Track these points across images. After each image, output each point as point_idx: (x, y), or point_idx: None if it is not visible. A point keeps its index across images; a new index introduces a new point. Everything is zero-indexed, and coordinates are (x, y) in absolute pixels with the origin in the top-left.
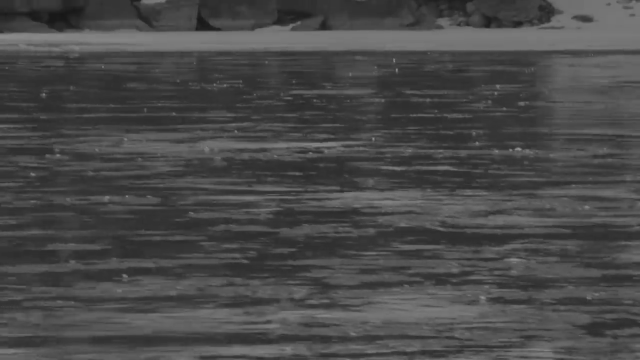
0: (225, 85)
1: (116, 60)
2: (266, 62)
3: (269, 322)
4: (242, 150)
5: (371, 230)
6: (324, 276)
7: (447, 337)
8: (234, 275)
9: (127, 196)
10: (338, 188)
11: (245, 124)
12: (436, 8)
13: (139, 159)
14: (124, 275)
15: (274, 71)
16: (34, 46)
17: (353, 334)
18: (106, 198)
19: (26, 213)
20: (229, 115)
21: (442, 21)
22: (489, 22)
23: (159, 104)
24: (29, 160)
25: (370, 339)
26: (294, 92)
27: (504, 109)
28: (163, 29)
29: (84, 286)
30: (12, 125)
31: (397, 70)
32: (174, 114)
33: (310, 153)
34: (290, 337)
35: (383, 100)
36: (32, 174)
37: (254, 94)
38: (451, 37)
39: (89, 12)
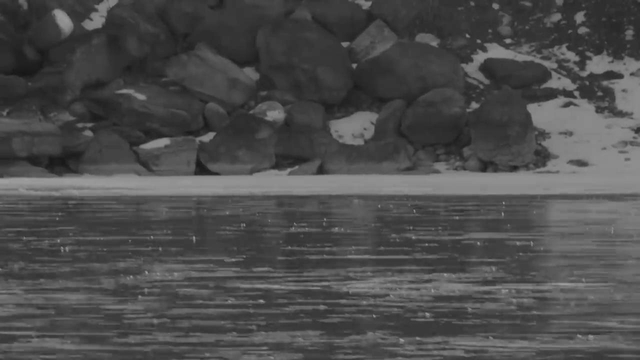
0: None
1: (114, 205)
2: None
3: None
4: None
5: None
6: None
7: None
8: None
9: None
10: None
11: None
12: (433, 153)
13: None
14: None
15: (272, 213)
16: (34, 190)
17: None
18: None
19: None
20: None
21: (439, 165)
22: (485, 166)
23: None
24: None
25: None
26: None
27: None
28: (162, 173)
29: None
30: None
31: (394, 212)
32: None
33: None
34: None
35: (376, 239)
36: None
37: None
38: (448, 181)
39: (88, 156)
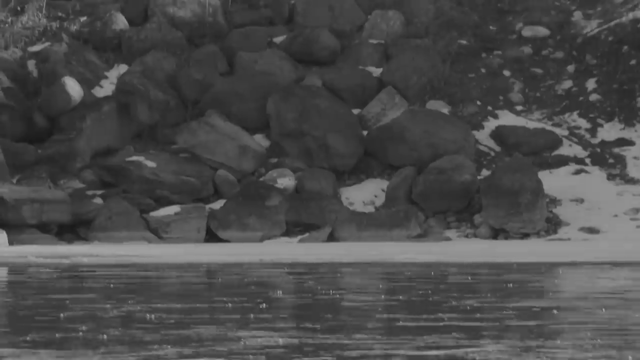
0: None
1: (124, 272)
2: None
3: None
4: None
5: None
6: None
7: None
8: None
9: None
10: None
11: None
12: (444, 220)
13: None
14: None
15: (284, 282)
16: (43, 258)
17: None
18: None
19: None
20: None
21: (450, 233)
22: (496, 233)
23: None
24: None
25: None
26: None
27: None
28: (172, 240)
29: None
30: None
31: (408, 280)
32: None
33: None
34: None
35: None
36: None
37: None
38: (459, 249)
39: (98, 224)
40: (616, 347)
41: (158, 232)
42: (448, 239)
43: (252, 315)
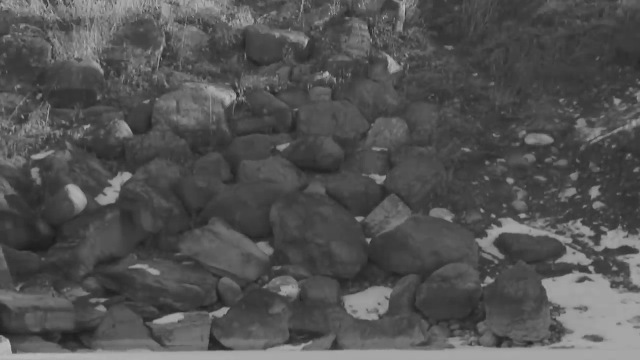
0: None
1: None
2: None
3: None
4: None
5: None
6: None
7: None
8: None
9: None
10: None
11: None
12: (447, 328)
13: None
14: None
15: None
16: None
17: None
18: None
19: None
20: None
21: (454, 341)
22: (500, 341)
23: None
24: None
25: None
26: None
27: None
28: (175, 348)
29: None
30: None
31: None
32: None
33: None
34: None
35: None
36: None
37: None
38: (463, 357)
39: (101, 332)
40: None
41: (161, 340)
42: (451, 347)
43: None
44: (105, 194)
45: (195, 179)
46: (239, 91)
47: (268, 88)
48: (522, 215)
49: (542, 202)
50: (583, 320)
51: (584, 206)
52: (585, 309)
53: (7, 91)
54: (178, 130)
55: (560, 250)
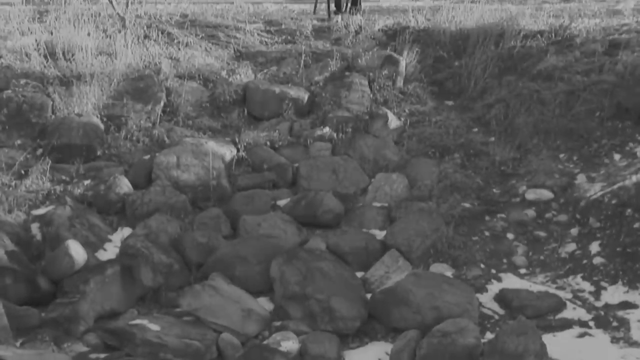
0: None
1: None
2: None
3: None
4: None
5: None
6: None
7: None
8: None
9: None
10: None
11: None
12: None
13: None
14: None
15: None
16: None
17: None
18: None
19: None
20: None
21: None
22: None
23: None
24: None
25: None
26: None
27: None
28: None
29: None
30: None
31: None
32: None
33: None
34: None
35: None
36: None
37: None
38: None
39: None
40: None
41: None
42: None
43: None
44: (105, 249)
45: (195, 234)
46: (239, 146)
47: (268, 143)
48: (522, 270)
49: (542, 257)
50: None
51: (584, 261)
52: None
53: (7, 146)
54: (178, 185)
55: (561, 305)
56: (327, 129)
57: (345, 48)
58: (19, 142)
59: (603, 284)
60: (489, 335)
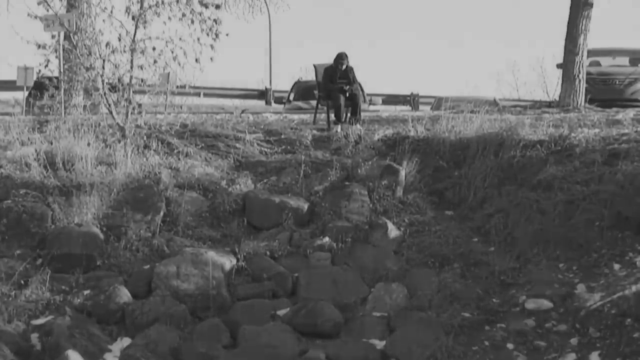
0: None
1: None
2: None
3: None
4: None
5: None
6: None
7: None
8: None
9: None
10: None
11: None
12: None
13: None
14: None
15: None
16: None
17: None
18: None
19: None
20: None
21: None
22: None
23: None
24: None
25: None
26: None
27: None
28: None
29: None
30: None
31: None
32: None
33: None
34: None
35: None
36: None
37: None
38: None
39: None
40: None
41: None
42: None
43: None
44: (104, 359)
45: (195, 344)
46: (239, 256)
47: (268, 253)
48: None
49: None
50: None
51: None
52: None
53: (7, 256)
54: (178, 295)
55: None
56: (326, 239)
57: (345, 158)
58: (18, 252)
59: None
60: None
